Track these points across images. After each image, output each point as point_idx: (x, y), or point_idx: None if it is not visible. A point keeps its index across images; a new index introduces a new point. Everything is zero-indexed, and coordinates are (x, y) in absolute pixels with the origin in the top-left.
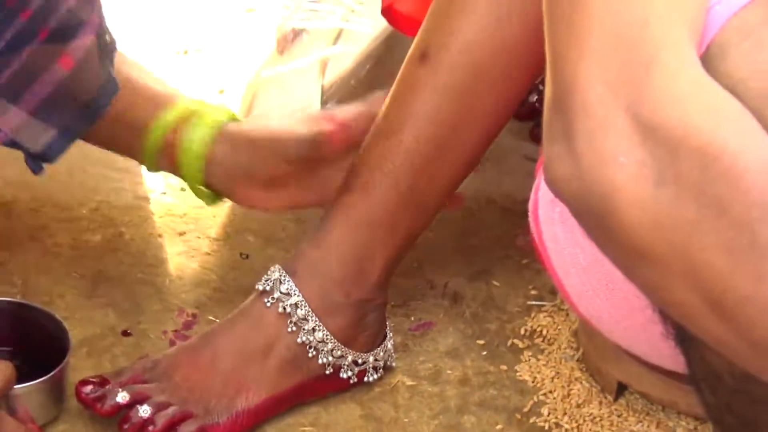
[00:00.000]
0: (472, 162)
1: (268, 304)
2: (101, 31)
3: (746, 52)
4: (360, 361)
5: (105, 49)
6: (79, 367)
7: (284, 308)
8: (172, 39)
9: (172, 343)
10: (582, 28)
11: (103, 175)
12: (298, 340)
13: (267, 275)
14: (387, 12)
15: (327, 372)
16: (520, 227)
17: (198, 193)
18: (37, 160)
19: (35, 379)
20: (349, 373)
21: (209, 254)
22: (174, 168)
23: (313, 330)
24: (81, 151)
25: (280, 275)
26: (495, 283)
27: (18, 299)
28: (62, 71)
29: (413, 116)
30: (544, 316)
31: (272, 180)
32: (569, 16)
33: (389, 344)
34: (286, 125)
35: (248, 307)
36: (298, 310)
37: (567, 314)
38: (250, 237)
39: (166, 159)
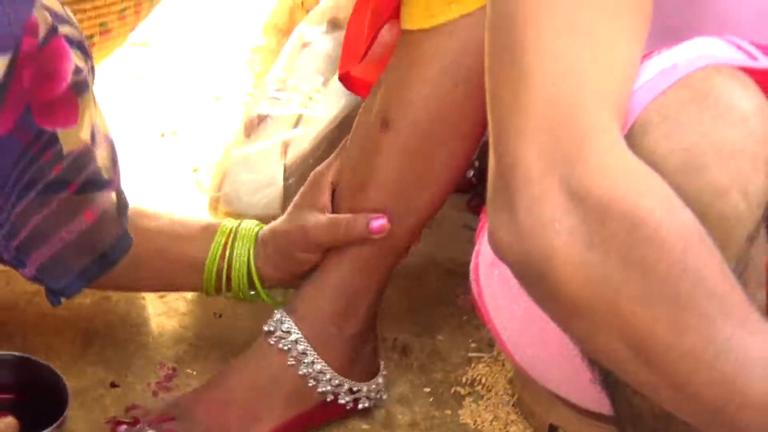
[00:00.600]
0: (432, 210)
1: (272, 342)
2: (120, 191)
3: (665, 131)
4: (355, 389)
5: (122, 206)
6: (73, 416)
7: (285, 345)
8: (150, 123)
9: (155, 394)
10: (522, 110)
11: None
12: (300, 372)
13: (272, 317)
14: (344, 78)
15: (327, 399)
16: (461, 287)
17: (268, 300)
18: (56, 295)
19: (38, 430)
20: (347, 399)
21: (186, 314)
22: (230, 285)
23: (312, 363)
24: None
25: (281, 316)
26: (439, 337)
27: (21, 353)
28: (85, 222)
29: (379, 175)
30: (483, 366)
31: (303, 263)
32: (510, 99)
33: (380, 378)
34: (305, 219)
35: (256, 347)
36: (298, 346)
37: (503, 364)
38: (221, 298)
39: (224, 280)
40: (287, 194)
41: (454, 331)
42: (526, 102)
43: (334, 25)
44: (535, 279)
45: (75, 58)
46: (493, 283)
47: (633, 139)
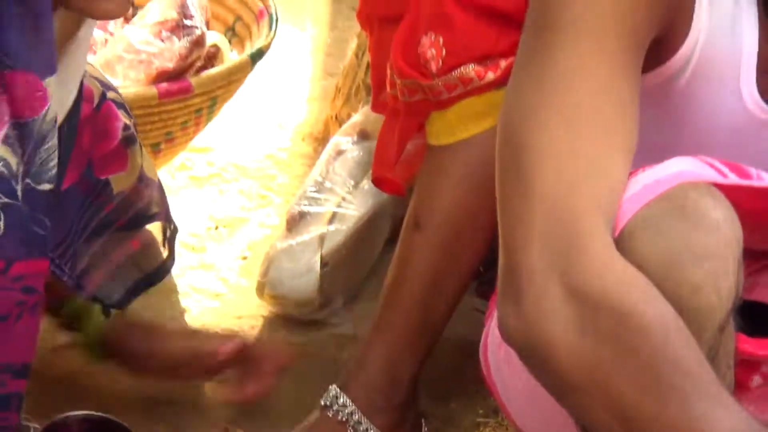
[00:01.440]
0: (460, 295)
1: (330, 415)
2: (167, 221)
3: (649, 237)
4: None
5: (168, 234)
6: None
7: (343, 417)
8: (206, 217)
9: None
10: (527, 219)
11: None
12: None
13: (326, 393)
14: (378, 180)
15: None
16: (471, 362)
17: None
18: (108, 309)
19: None
20: None
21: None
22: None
23: (366, 430)
24: None
25: (336, 392)
26: (452, 404)
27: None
28: (132, 249)
29: (414, 270)
30: (490, 430)
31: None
32: (517, 209)
33: None
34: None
35: (315, 420)
36: (353, 416)
37: (507, 428)
38: None
39: None
40: (323, 280)
41: (465, 399)
42: (530, 213)
43: (363, 136)
44: (538, 360)
45: (123, 117)
46: (499, 360)
47: (622, 243)
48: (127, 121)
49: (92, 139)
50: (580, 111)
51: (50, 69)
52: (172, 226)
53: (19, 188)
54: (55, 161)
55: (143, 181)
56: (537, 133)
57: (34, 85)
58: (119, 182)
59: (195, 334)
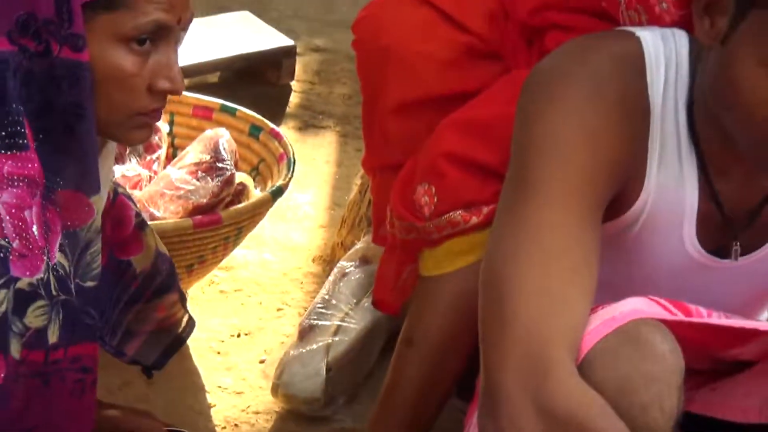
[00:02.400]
0: (445, 399)
1: None
2: (180, 290)
3: (607, 364)
4: None
5: (183, 299)
6: None
7: None
8: (229, 326)
9: None
10: (504, 347)
11: None
12: None
13: None
14: (377, 303)
15: None
16: None
17: None
18: (149, 370)
19: None
20: None
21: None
22: None
23: None
24: None
25: None
26: None
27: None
28: (159, 316)
29: (406, 379)
30: None
31: None
32: (496, 338)
33: None
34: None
35: None
36: None
37: None
38: None
39: None
40: (328, 383)
41: None
42: (506, 341)
43: (364, 261)
44: None
45: (134, 206)
46: None
47: (583, 369)
48: (136, 209)
49: (112, 227)
50: (550, 257)
51: (95, 188)
52: (182, 293)
53: (72, 286)
54: (98, 262)
55: (159, 257)
56: (514, 275)
57: (82, 201)
58: (140, 262)
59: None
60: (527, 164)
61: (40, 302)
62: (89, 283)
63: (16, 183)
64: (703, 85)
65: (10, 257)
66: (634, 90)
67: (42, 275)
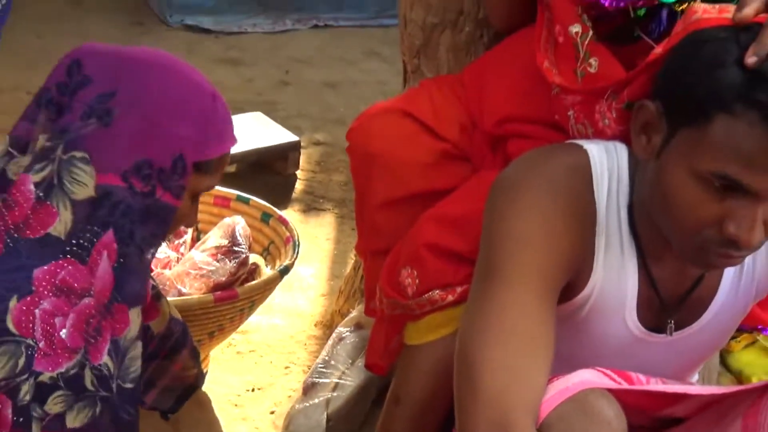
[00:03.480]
0: None
1: None
2: (192, 347)
3: (561, 429)
4: None
5: (195, 355)
6: None
7: None
8: (243, 383)
9: None
10: (473, 413)
11: None
12: None
13: None
14: (369, 366)
15: None
16: None
17: None
18: (165, 414)
19: None
20: None
21: None
22: None
23: None
24: None
25: None
26: None
27: None
28: (174, 371)
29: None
30: None
31: None
32: (467, 405)
33: None
34: None
35: None
36: None
37: None
38: None
39: None
40: None
41: None
42: (475, 407)
43: (358, 327)
44: None
45: (151, 281)
46: None
47: None
48: (153, 283)
49: None
50: (513, 334)
51: (139, 302)
52: (195, 350)
53: (114, 385)
54: (136, 366)
55: (173, 321)
56: (482, 349)
57: (125, 312)
58: (156, 326)
59: None
60: (494, 256)
61: (59, 392)
62: (128, 385)
63: (59, 293)
64: (641, 191)
65: (35, 355)
66: (583, 195)
67: (63, 370)
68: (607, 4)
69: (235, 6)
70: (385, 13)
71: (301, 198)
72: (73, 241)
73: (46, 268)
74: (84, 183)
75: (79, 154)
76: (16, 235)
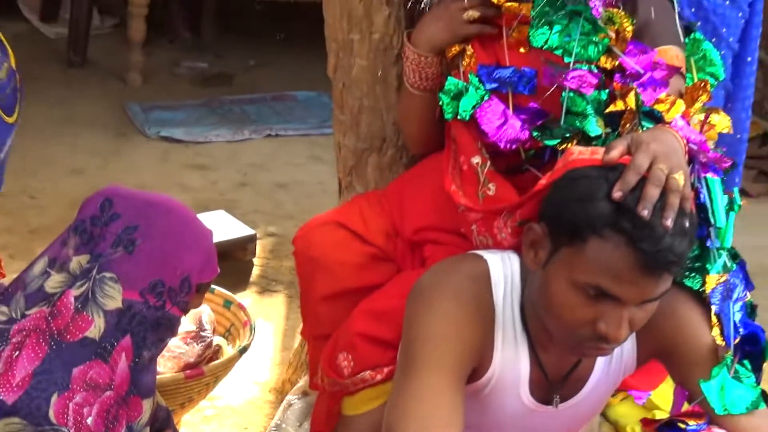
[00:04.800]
0: None
1: None
2: (174, 428)
3: None
4: None
5: None
6: None
7: None
8: None
9: None
10: None
11: None
12: None
13: None
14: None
15: None
16: None
17: None
18: None
19: None
20: None
21: None
22: None
23: None
24: None
25: None
26: None
27: None
28: None
29: None
30: None
31: None
32: None
33: None
34: None
35: None
36: None
37: None
38: None
39: None
40: None
41: None
42: None
43: (305, 394)
44: None
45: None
46: None
47: None
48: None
49: None
50: (429, 411)
51: (151, 393)
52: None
53: None
54: None
55: (158, 407)
56: (403, 425)
57: (139, 403)
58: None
59: None
60: (413, 350)
61: None
62: None
63: (88, 388)
64: (530, 294)
65: None
66: (484, 297)
67: None
68: (502, 146)
69: (202, 120)
70: (325, 123)
71: (257, 281)
72: (102, 344)
73: (81, 367)
74: (113, 297)
75: (108, 275)
76: (59, 338)
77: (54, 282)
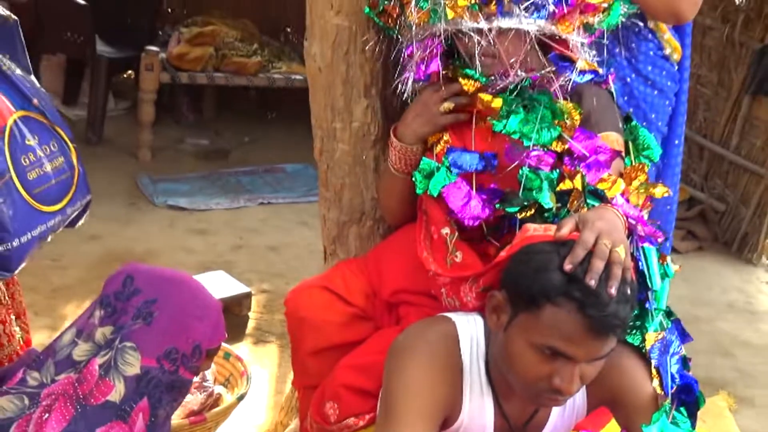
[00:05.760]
0: None
1: None
2: None
3: None
4: None
5: None
6: None
7: None
8: None
9: None
10: None
11: None
12: None
13: None
14: None
15: None
16: None
17: None
18: None
19: None
20: None
21: None
22: None
23: None
24: None
25: None
26: None
27: None
28: None
29: None
30: None
31: None
32: None
33: None
34: None
35: None
36: None
37: None
38: None
39: None
40: None
41: None
42: None
43: None
44: None
45: None
46: None
47: None
48: None
49: None
50: None
51: None
52: None
53: None
54: None
55: None
56: None
57: None
58: None
59: None
60: (391, 402)
61: None
62: None
63: None
64: (494, 351)
65: None
66: (453, 354)
67: None
68: (466, 223)
69: (203, 190)
70: (311, 192)
71: (253, 333)
72: (123, 407)
73: (103, 428)
74: (132, 364)
75: (129, 344)
76: (84, 402)
77: (81, 351)
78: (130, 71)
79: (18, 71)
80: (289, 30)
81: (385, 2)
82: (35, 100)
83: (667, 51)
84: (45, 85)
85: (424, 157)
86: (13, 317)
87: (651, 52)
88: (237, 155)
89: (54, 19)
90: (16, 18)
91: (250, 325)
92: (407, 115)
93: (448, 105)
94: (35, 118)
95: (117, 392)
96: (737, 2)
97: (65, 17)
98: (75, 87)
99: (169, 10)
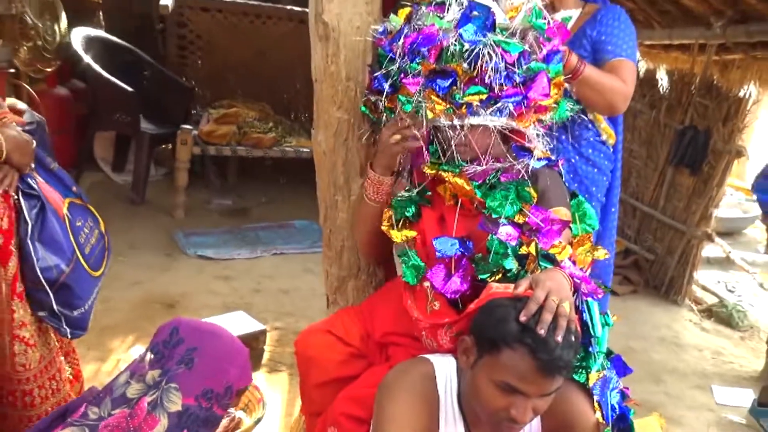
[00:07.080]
0: None
1: None
2: None
3: None
4: None
5: None
6: None
7: None
8: None
9: None
10: None
11: None
12: None
13: None
14: None
15: None
16: None
17: None
18: None
19: None
20: None
21: None
22: None
23: None
24: None
25: None
26: None
27: None
28: None
29: None
30: None
31: None
32: None
33: None
34: None
35: None
36: None
37: None
38: None
39: None
40: None
41: None
42: None
43: None
44: None
45: None
46: None
47: None
48: None
49: None
50: None
51: None
52: None
53: None
54: None
55: None
56: None
57: None
58: None
59: None
60: (381, 428)
61: None
62: None
63: None
64: (464, 386)
65: None
66: (431, 390)
67: None
68: (449, 297)
69: (227, 242)
70: (316, 244)
71: (267, 363)
72: None
73: None
74: (175, 402)
75: (173, 385)
76: None
77: (133, 390)
78: (168, 144)
79: (55, 164)
80: (298, 112)
81: (378, 103)
82: (74, 188)
83: (604, 137)
84: (98, 155)
85: (410, 252)
86: (62, 358)
87: (591, 138)
88: (255, 213)
89: (107, 103)
90: (44, 119)
91: (265, 356)
92: (377, 152)
93: (396, 137)
94: (75, 201)
95: (162, 426)
96: (661, 92)
97: (116, 101)
98: (123, 157)
99: (200, 91)
